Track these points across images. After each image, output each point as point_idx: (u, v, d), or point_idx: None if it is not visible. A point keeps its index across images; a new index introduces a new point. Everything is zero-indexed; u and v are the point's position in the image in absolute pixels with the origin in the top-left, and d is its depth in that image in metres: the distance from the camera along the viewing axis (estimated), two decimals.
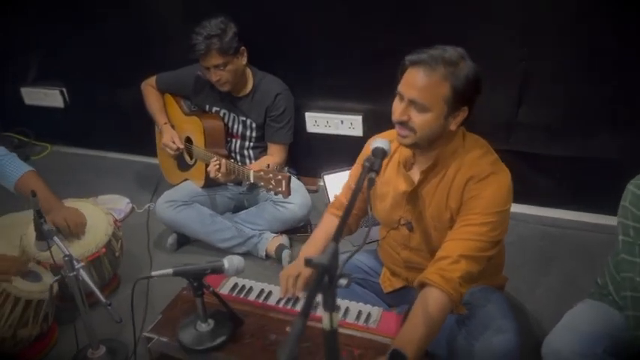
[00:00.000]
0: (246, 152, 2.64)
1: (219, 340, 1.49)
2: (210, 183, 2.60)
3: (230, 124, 2.61)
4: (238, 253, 2.46)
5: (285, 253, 2.41)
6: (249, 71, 2.56)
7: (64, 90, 3.51)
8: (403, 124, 1.53)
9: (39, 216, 1.82)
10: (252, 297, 1.70)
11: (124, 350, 1.97)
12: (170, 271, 1.44)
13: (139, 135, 3.44)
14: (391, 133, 1.76)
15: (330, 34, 2.67)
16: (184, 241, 2.62)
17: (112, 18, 3.12)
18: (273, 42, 2.73)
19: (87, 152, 3.63)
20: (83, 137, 3.61)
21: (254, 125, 2.58)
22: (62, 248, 1.73)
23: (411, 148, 1.63)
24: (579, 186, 2.57)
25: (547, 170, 2.60)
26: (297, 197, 2.45)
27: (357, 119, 2.79)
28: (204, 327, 1.53)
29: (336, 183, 2.66)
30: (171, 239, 2.58)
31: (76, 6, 3.15)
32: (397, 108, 1.55)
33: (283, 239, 2.52)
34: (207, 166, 2.53)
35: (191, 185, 2.63)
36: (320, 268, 0.96)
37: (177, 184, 2.81)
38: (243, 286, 1.75)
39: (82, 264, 1.73)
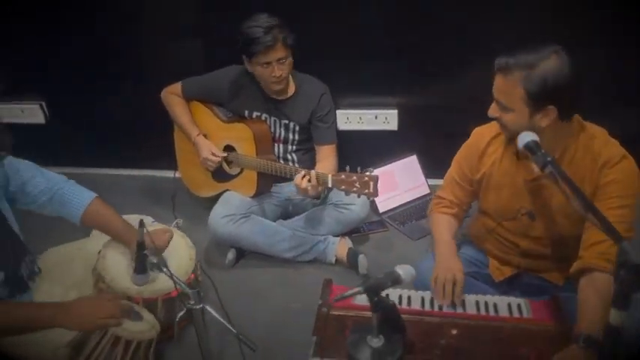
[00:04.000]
0: (289, 156, 2.55)
1: (398, 353, 1.44)
2: (260, 192, 2.48)
3: (272, 129, 2.50)
4: (305, 261, 2.43)
5: (362, 258, 2.36)
6: None
7: (44, 104, 3.15)
8: (496, 120, 1.64)
9: (142, 248, 1.64)
10: None
11: None
12: (360, 289, 1.36)
13: (132, 148, 3.21)
14: (497, 125, 1.80)
15: (361, 28, 2.64)
16: (241, 255, 2.48)
17: (98, 23, 2.85)
18: (301, 39, 2.64)
19: (75, 171, 3.25)
20: (68, 155, 3.25)
21: (297, 128, 2.49)
22: (179, 282, 1.58)
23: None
24: None
25: None
26: (359, 198, 2.40)
27: (392, 113, 2.79)
28: (376, 342, 1.46)
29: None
30: (231, 254, 2.44)
31: (55, 10, 2.84)
32: (492, 106, 1.65)
33: (349, 242, 2.47)
34: (259, 174, 2.42)
35: (239, 196, 2.48)
36: None
37: (210, 196, 2.67)
38: None
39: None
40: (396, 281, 1.44)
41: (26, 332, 1.59)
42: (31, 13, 2.84)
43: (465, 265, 1.93)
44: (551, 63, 1.51)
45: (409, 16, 2.57)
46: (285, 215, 2.62)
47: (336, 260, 2.43)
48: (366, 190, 2.06)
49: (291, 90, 2.46)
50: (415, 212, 2.77)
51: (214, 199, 2.69)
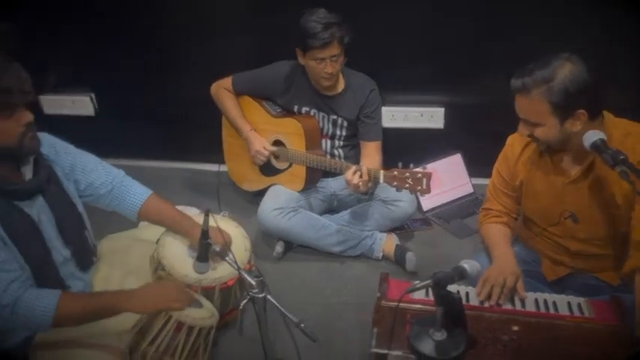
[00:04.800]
0: (336, 152, 2.57)
1: (462, 347, 1.45)
2: (308, 186, 2.51)
3: (320, 124, 2.52)
4: (352, 256, 2.45)
5: (410, 255, 2.37)
6: None
7: (93, 96, 3.22)
8: (529, 136, 1.67)
9: (205, 237, 1.68)
10: None
11: None
12: (429, 282, 1.38)
13: (178, 141, 3.27)
14: None
15: (410, 25, 2.65)
16: (288, 248, 2.51)
17: (146, 16, 2.90)
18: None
19: (121, 163, 3.31)
20: (115, 147, 3.32)
21: (345, 124, 2.51)
22: (243, 272, 1.60)
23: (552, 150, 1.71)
24: None
25: None
26: (406, 194, 2.40)
27: (439, 112, 2.79)
28: (439, 335, 1.48)
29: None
30: (279, 247, 2.47)
31: (106, 4, 2.90)
32: (520, 126, 1.67)
33: (395, 239, 2.48)
34: (307, 169, 2.45)
35: (287, 190, 2.51)
36: None
37: (256, 190, 2.71)
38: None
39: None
40: (462, 275, 1.46)
41: (103, 318, 1.64)
42: (82, 7, 2.90)
43: (518, 262, 1.94)
44: (566, 70, 1.53)
45: (458, 13, 2.57)
46: (330, 210, 2.64)
47: (383, 256, 2.44)
48: (419, 187, 2.07)
49: (341, 86, 2.48)
50: (459, 211, 2.77)
51: (257, 193, 2.74)
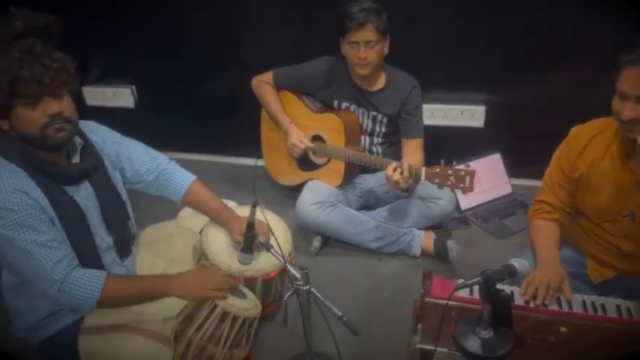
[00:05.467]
0: (374, 148, 2.56)
1: (509, 346, 1.44)
2: (346, 182, 2.51)
3: (360, 120, 2.52)
4: (389, 253, 2.45)
5: (451, 243, 2.36)
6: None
7: (134, 88, 3.28)
8: (633, 121, 1.55)
9: (251, 228, 1.70)
10: None
11: None
12: (479, 279, 1.37)
13: (216, 134, 3.29)
14: (596, 124, 1.76)
15: (453, 22, 2.63)
16: (325, 242, 2.52)
17: (188, 9, 2.92)
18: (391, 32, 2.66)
19: None
20: (154, 139, 3.36)
21: (385, 120, 2.50)
22: (289, 264, 1.62)
23: None
24: None
25: None
26: (445, 192, 2.39)
27: (480, 110, 2.77)
28: (485, 334, 1.46)
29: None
30: (317, 241, 2.48)
31: None
32: (622, 107, 1.56)
33: (433, 236, 2.47)
34: (346, 164, 2.45)
35: (325, 185, 2.52)
36: None
37: (294, 185, 2.72)
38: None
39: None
40: (512, 274, 1.44)
41: (147, 302, 1.67)
42: (120, 5, 2.95)
43: (563, 264, 1.91)
44: None
45: (503, 10, 2.54)
46: (367, 206, 2.64)
47: (421, 253, 2.43)
48: (462, 185, 2.06)
49: (382, 82, 2.47)
50: (498, 211, 2.75)
51: (293, 188, 2.76)
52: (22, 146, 1.56)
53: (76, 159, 1.68)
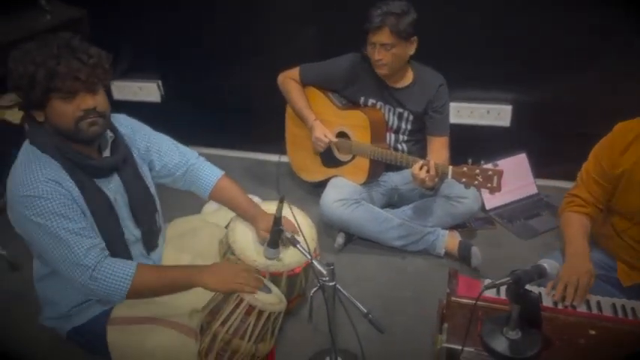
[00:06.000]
0: (399, 146, 2.55)
1: (537, 348, 1.42)
2: (370, 179, 2.50)
3: (385, 117, 2.51)
4: (412, 251, 2.44)
5: (475, 250, 2.33)
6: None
7: (160, 83, 3.31)
8: None
9: (278, 223, 1.71)
10: None
11: None
12: (509, 279, 1.36)
13: (240, 130, 3.30)
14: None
15: (481, 20, 2.61)
16: (348, 239, 2.52)
17: (214, 5, 2.94)
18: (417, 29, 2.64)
19: None
20: (179, 133, 3.40)
21: (411, 117, 2.49)
22: (315, 260, 1.62)
23: None
24: None
25: None
26: (471, 191, 2.38)
27: (506, 109, 2.74)
28: (513, 334, 1.45)
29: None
30: (341, 238, 2.48)
31: None
32: None
33: (458, 236, 2.45)
34: (371, 162, 2.44)
35: (349, 182, 2.52)
36: None
37: (317, 181, 2.72)
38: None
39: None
40: (541, 274, 1.43)
41: (176, 292, 1.69)
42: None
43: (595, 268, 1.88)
44: None
45: (531, 9, 2.51)
46: (390, 204, 2.63)
47: (445, 253, 2.42)
48: (489, 184, 2.04)
49: (409, 79, 2.46)
50: (523, 211, 2.72)
51: (316, 185, 2.76)
52: (56, 139, 1.59)
53: (106, 152, 1.70)
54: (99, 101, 1.56)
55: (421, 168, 2.15)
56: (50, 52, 1.48)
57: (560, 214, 1.92)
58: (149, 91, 3.31)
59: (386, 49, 2.28)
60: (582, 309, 1.60)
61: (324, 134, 2.51)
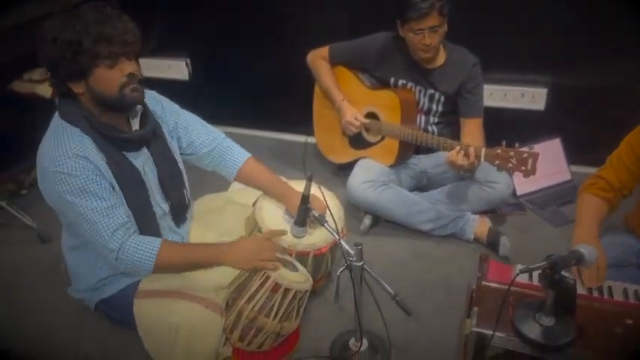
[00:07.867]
0: (429, 128, 2.49)
1: (571, 335, 1.38)
2: (399, 161, 2.46)
3: (416, 98, 2.45)
4: (440, 235, 2.39)
5: (504, 240, 2.27)
6: None
7: (189, 61, 3.30)
8: None
9: (305, 201, 1.68)
10: None
11: (383, 346, 1.85)
12: (544, 264, 1.31)
13: (268, 110, 3.28)
14: None
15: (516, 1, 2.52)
16: (375, 222, 2.49)
17: None
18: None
19: None
20: (206, 112, 3.39)
21: (442, 99, 2.42)
22: (342, 240, 1.60)
23: None
24: None
25: None
26: (503, 176, 2.32)
27: (541, 92, 2.65)
28: (547, 321, 1.41)
29: None
30: (367, 220, 2.45)
31: None
32: None
33: (488, 222, 2.40)
34: (401, 143, 2.40)
35: (377, 164, 2.48)
36: None
37: (345, 163, 2.68)
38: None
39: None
40: (579, 260, 1.38)
41: (200, 269, 1.69)
42: None
43: (630, 255, 1.82)
44: None
45: None
46: (419, 188, 2.58)
47: (474, 238, 2.37)
48: (523, 167, 1.99)
49: (441, 59, 2.39)
50: (555, 198, 2.64)
51: (342, 167, 2.73)
52: (87, 112, 1.59)
53: (135, 124, 1.70)
54: (137, 68, 1.58)
55: (458, 152, 2.10)
56: (93, 18, 1.49)
57: (579, 194, 1.84)
58: (178, 69, 3.31)
59: (434, 32, 2.22)
60: (619, 297, 1.55)
61: (355, 117, 2.46)
